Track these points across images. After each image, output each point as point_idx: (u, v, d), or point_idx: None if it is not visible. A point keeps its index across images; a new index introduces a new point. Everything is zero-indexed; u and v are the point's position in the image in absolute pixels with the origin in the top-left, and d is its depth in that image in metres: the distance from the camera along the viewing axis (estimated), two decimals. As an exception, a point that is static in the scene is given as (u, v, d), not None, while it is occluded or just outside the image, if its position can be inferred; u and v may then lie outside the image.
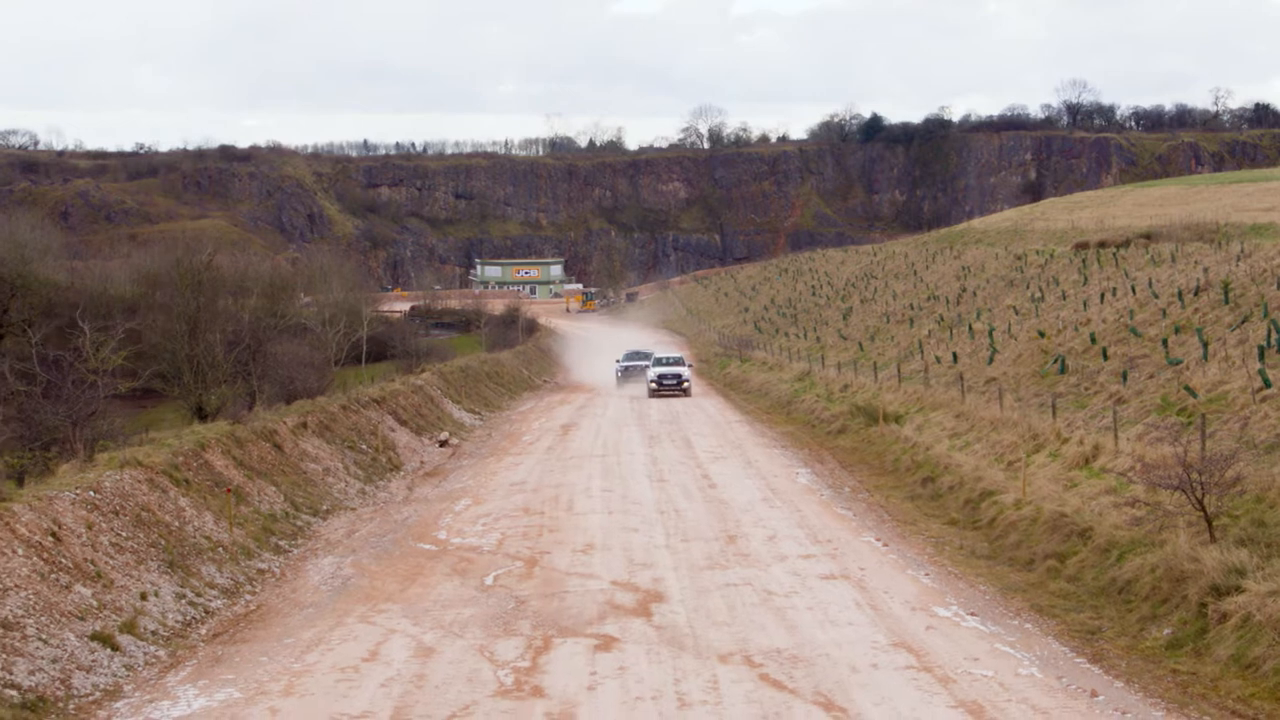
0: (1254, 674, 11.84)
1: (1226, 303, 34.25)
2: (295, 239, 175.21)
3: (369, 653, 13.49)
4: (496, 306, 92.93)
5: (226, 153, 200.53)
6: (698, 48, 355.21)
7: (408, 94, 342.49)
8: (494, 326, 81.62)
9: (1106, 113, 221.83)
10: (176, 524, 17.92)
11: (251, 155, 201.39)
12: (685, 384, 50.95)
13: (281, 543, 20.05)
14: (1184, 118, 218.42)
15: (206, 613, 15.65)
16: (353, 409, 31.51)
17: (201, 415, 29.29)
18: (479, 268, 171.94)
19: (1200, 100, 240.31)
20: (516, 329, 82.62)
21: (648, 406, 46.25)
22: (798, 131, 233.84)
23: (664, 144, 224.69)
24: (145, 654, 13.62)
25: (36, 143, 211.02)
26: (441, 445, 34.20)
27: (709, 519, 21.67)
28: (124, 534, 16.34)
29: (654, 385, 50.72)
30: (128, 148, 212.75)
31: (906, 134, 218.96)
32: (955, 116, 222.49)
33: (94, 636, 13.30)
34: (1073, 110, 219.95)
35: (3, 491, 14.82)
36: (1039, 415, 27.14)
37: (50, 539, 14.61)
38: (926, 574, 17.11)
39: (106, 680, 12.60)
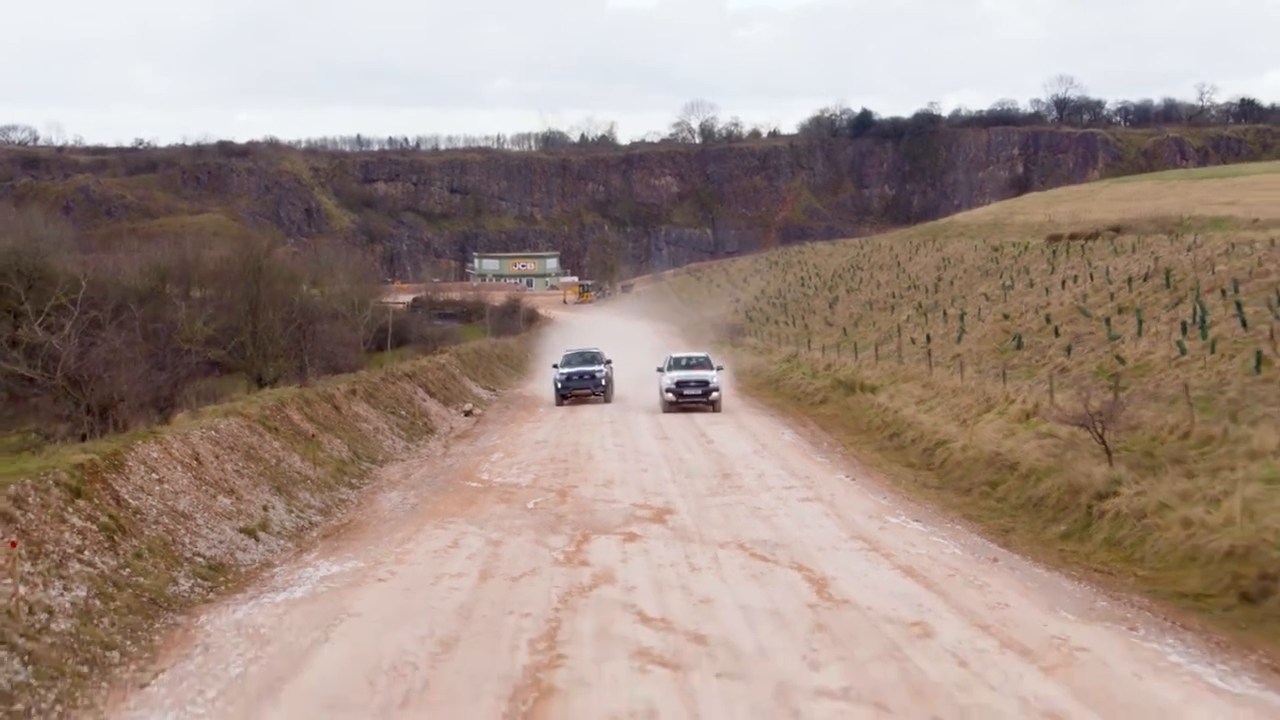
0: (1116, 549, 15.95)
1: (1168, 286, 38.53)
2: (293, 233, 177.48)
3: (451, 542, 17.58)
4: (497, 298, 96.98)
5: (225, 148, 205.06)
6: (694, 44, 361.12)
7: (404, 91, 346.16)
8: (496, 316, 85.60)
9: (1094, 108, 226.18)
10: (274, 461, 22.04)
11: (250, 151, 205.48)
12: (714, 394, 38.13)
13: (353, 481, 24.18)
14: (1170, 113, 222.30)
15: (311, 524, 19.74)
16: (390, 381, 35.71)
17: (260, 384, 33.43)
18: (477, 261, 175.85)
19: (1191, 96, 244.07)
20: (517, 318, 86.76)
21: (647, 387, 43.01)
22: (789, 126, 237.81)
23: (656, 139, 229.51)
24: (279, 544, 17.77)
25: (36, 139, 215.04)
26: (466, 414, 38.47)
27: (708, 464, 25.80)
28: (240, 464, 20.45)
29: (671, 397, 38.08)
30: (127, 143, 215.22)
31: (896, 129, 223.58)
32: (946, 111, 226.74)
33: (241, 530, 17.43)
34: (1060, 106, 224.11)
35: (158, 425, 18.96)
36: (993, 383, 31.33)
37: (194, 462, 18.75)
38: (884, 498, 21.26)
39: (259, 558, 16.74)
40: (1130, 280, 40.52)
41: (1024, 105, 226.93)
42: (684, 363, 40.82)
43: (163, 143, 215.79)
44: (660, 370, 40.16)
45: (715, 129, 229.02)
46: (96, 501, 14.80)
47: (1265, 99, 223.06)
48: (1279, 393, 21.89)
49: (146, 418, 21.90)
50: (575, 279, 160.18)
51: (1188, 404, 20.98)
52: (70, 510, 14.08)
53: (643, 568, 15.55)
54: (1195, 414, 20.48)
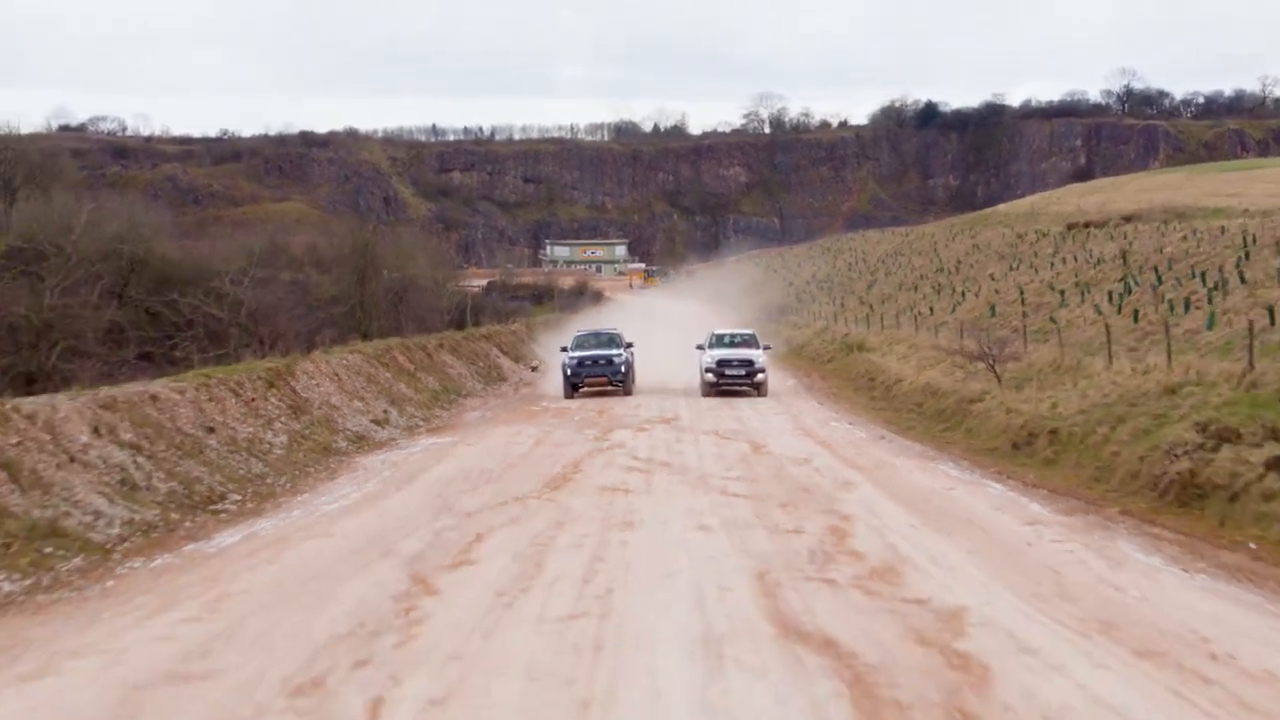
0: (969, 432, 23.14)
1: (1125, 265, 45.51)
2: (371, 221, 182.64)
3: (516, 431, 25.27)
4: (567, 282, 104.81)
5: (306, 138, 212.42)
6: (764, 31, 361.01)
7: (476, 81, 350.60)
8: (565, 297, 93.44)
9: (1156, 100, 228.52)
10: (387, 385, 29.87)
11: (329, 141, 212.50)
12: (760, 375, 34.81)
13: (444, 404, 32.05)
14: (1236, 104, 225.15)
15: (417, 424, 27.56)
16: (470, 340, 43.70)
17: (366, 339, 41.22)
18: (549, 248, 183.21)
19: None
20: (584, 299, 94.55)
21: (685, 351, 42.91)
22: (858, 117, 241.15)
23: (726, 129, 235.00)
24: (398, 431, 25.65)
25: (124, 128, 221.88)
26: (533, 369, 46.29)
27: (717, 400, 33.29)
28: (363, 384, 28.25)
29: (711, 378, 34.62)
30: (206, 132, 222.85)
31: (961, 120, 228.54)
32: (1015, 101, 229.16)
33: (372, 420, 25.26)
34: (1123, 97, 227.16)
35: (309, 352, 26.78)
36: (960, 341, 38.50)
37: (336, 377, 26.54)
38: (835, 413, 28.75)
39: (385, 437, 24.57)
40: (1100, 261, 47.56)
41: (1093, 94, 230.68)
42: (726, 340, 37.08)
43: (245, 133, 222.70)
44: (700, 348, 36.56)
45: (785, 119, 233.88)
46: (283, 391, 22.61)
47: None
48: (1139, 336, 29.00)
49: (299, 348, 29.71)
50: (642, 265, 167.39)
51: (1060, 345, 28.24)
52: (269, 394, 21.83)
53: (645, 441, 23.06)
54: (1066, 352, 27.72)
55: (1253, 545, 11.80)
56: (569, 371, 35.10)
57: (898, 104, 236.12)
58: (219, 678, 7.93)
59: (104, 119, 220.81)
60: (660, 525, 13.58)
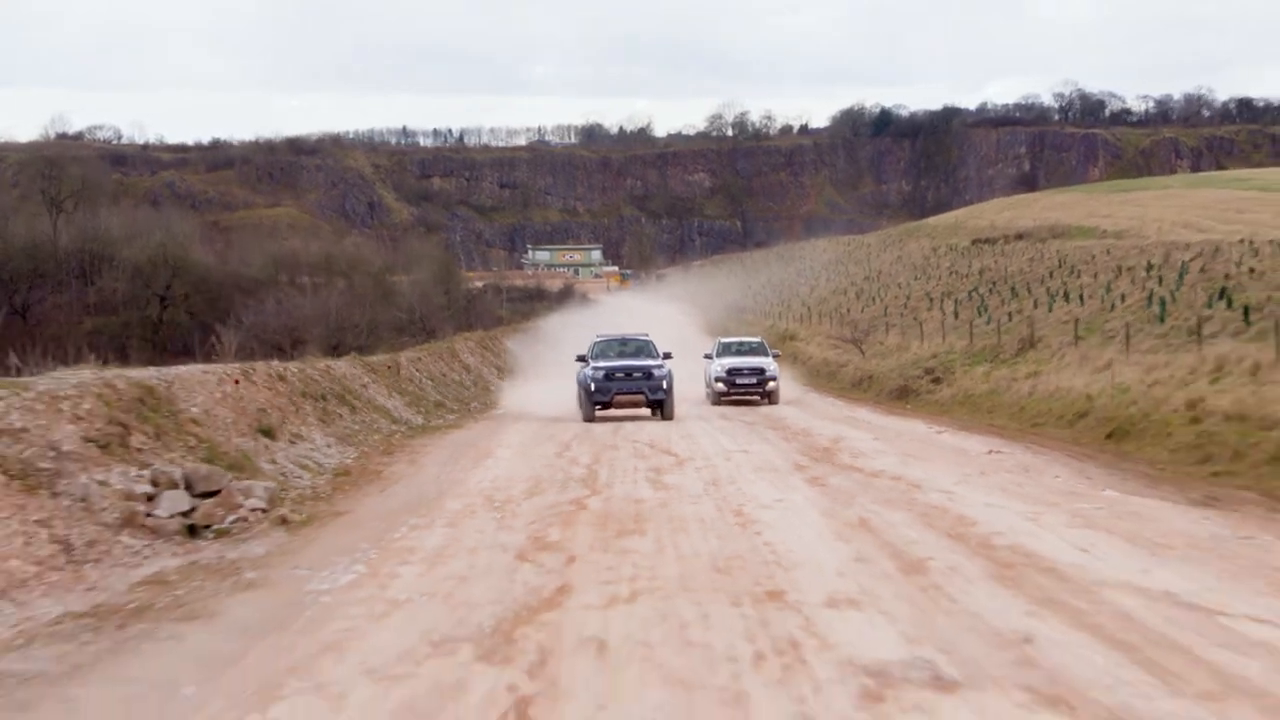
0: (846, 386, 39.23)
1: (980, 278, 61.93)
2: (357, 225, 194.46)
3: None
4: (554, 284, 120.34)
5: (294, 146, 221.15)
6: (734, 29, 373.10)
7: (445, 78, 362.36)
8: (554, 299, 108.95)
9: (1097, 109, 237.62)
10: (491, 356, 45.72)
11: (317, 149, 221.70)
12: (771, 384, 33.42)
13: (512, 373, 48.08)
14: (1186, 110, 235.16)
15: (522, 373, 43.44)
16: (505, 333, 59.59)
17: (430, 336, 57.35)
18: (530, 252, 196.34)
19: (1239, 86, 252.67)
20: (572, 300, 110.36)
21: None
22: (821, 118, 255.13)
23: (692, 131, 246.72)
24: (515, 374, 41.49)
25: (120, 136, 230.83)
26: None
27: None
28: (482, 353, 44.05)
29: (722, 387, 33.41)
30: (187, 137, 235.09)
31: (914, 128, 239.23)
32: (985, 99, 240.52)
33: (495, 370, 41.19)
34: (1064, 108, 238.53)
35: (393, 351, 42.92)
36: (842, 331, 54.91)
37: (473, 351, 42.52)
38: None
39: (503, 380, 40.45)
40: (966, 275, 64.09)
41: (1047, 99, 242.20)
42: (734, 348, 35.80)
43: (225, 135, 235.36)
44: (708, 357, 35.97)
45: (748, 122, 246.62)
46: (399, 375, 38.46)
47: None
48: (953, 327, 45.27)
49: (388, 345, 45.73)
50: (616, 268, 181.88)
51: (902, 333, 44.74)
52: (404, 370, 37.80)
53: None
54: (903, 338, 44.13)
55: (908, 406, 28.09)
56: (593, 387, 27.67)
57: (857, 108, 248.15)
58: (497, 462, 23.61)
59: (100, 128, 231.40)
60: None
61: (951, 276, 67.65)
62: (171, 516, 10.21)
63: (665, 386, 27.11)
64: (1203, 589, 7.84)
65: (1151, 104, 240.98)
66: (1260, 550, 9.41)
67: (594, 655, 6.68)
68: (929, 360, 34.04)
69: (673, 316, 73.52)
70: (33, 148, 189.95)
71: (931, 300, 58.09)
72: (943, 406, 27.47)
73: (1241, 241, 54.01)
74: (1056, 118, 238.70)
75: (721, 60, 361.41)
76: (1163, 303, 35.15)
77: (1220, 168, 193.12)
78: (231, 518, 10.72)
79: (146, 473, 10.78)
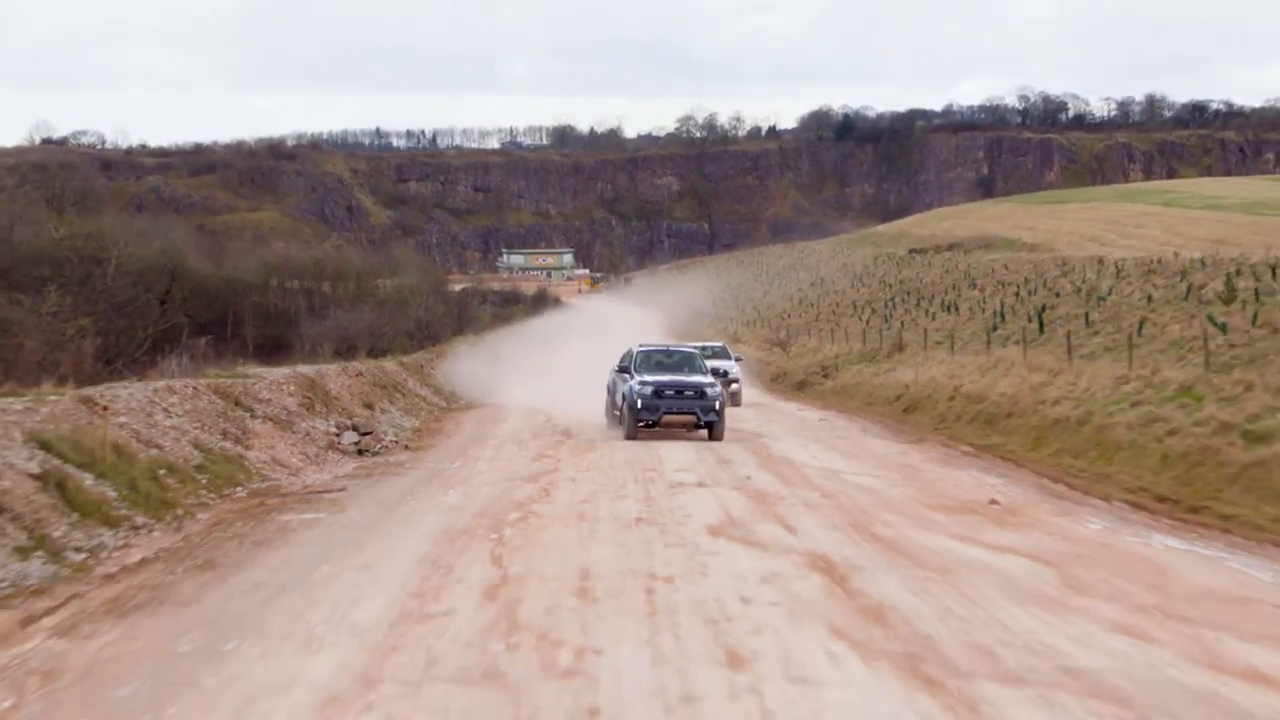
0: (775, 381, 48.77)
1: (899, 287, 71.52)
2: (336, 228, 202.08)
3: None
4: (530, 288, 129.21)
5: (274, 150, 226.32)
6: (707, 28, 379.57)
7: (418, 77, 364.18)
8: (530, 303, 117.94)
9: (1054, 114, 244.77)
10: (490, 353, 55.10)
11: (296, 154, 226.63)
12: (734, 385, 34.85)
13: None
14: (1146, 112, 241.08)
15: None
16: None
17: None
18: (505, 256, 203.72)
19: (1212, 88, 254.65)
20: (546, 303, 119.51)
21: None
22: (789, 120, 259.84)
23: (661, 134, 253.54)
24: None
25: (104, 141, 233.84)
26: (529, 355, 71.90)
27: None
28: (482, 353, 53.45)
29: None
30: (150, 138, 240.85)
31: (876, 132, 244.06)
32: (939, 105, 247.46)
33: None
34: (1021, 112, 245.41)
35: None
36: (770, 333, 64.37)
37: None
38: (708, 373, 54.55)
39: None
40: (887, 286, 73.73)
41: (1011, 99, 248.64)
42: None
43: (205, 138, 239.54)
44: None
45: (717, 124, 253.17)
46: (423, 372, 47.82)
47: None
48: (862, 332, 54.78)
49: (416, 347, 54.93)
50: (587, 271, 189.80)
51: (821, 335, 54.29)
52: (424, 368, 47.16)
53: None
54: (825, 338, 53.64)
55: (801, 394, 37.67)
56: (640, 403, 24.59)
57: (823, 111, 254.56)
58: (509, 425, 32.99)
59: (85, 133, 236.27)
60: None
61: (880, 286, 77.16)
62: (351, 444, 19.80)
63: (718, 408, 24.62)
64: (851, 470, 17.56)
65: (1114, 106, 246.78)
66: (904, 459, 19.10)
67: (570, 483, 16.14)
68: (829, 360, 43.55)
69: (642, 323, 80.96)
70: (19, 153, 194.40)
71: (855, 308, 67.52)
72: (824, 395, 37.09)
73: (1100, 261, 62.32)
74: (1019, 120, 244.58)
75: (690, 60, 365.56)
76: (1000, 315, 44.81)
77: (1171, 173, 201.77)
78: (378, 445, 20.34)
79: (331, 421, 20.39)
